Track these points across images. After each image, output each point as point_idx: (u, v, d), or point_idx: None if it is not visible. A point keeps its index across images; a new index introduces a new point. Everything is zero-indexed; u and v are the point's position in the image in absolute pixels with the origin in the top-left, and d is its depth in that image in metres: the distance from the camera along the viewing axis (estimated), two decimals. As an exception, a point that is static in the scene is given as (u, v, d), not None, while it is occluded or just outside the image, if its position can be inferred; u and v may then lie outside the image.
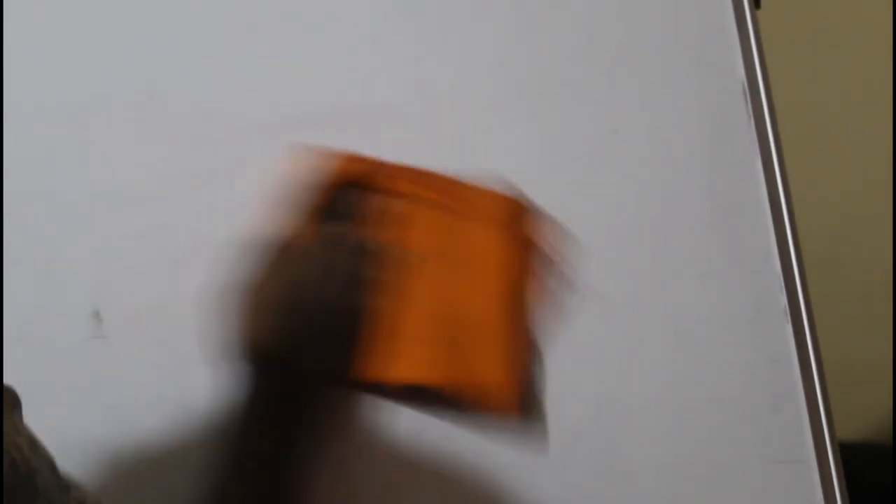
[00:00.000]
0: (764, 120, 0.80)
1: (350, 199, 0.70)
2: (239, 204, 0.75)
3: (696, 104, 0.80)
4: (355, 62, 0.78)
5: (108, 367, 0.71)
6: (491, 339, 0.67)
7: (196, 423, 0.64)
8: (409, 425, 0.72)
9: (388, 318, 0.65)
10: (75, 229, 0.75)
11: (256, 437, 0.61)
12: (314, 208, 0.69)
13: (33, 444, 0.48)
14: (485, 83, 0.80)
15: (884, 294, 1.52)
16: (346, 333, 0.64)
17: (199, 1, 0.81)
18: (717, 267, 0.77)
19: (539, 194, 0.78)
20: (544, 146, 0.79)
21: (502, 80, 0.79)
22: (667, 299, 0.76)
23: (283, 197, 0.68)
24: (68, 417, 0.68)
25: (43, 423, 0.50)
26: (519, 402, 0.66)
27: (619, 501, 0.72)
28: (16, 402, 0.50)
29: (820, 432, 0.74)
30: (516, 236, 0.71)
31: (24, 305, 0.71)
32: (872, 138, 1.53)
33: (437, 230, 0.70)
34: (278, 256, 0.65)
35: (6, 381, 0.51)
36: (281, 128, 0.74)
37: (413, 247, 0.69)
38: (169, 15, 0.81)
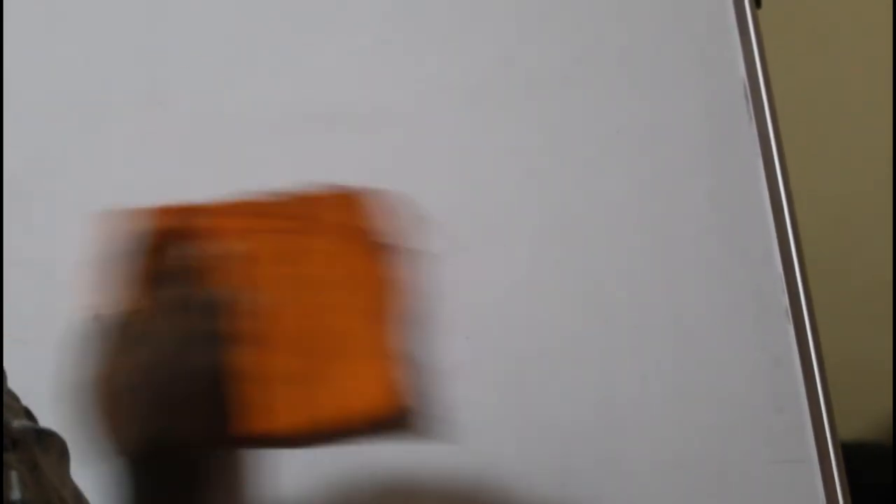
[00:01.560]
0: (765, 120, 0.80)
1: (178, 255, 0.62)
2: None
3: (698, 104, 0.80)
4: (358, 63, 0.78)
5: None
6: (362, 354, 0.63)
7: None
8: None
9: (255, 367, 0.60)
10: (77, 230, 0.75)
11: None
12: (143, 275, 0.61)
13: (77, 498, 0.47)
14: (487, 83, 0.80)
15: (884, 294, 1.52)
16: (213, 397, 0.58)
17: (201, 2, 0.81)
18: (719, 267, 0.77)
19: (541, 193, 0.78)
20: (547, 145, 0.79)
21: (505, 81, 0.79)
22: (668, 300, 0.76)
23: (105, 270, 0.61)
24: (70, 418, 0.68)
25: (45, 425, 0.50)
26: (402, 411, 0.62)
27: (620, 501, 0.72)
28: (64, 452, 0.48)
29: (822, 432, 0.74)
30: (363, 234, 0.66)
31: (25, 307, 0.71)
32: (873, 138, 1.53)
33: (281, 257, 0.65)
34: (120, 338, 0.58)
35: (12, 385, 0.51)
36: (284, 129, 0.74)
37: (262, 282, 0.63)
38: (172, 16, 0.80)
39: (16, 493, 0.42)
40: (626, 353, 0.75)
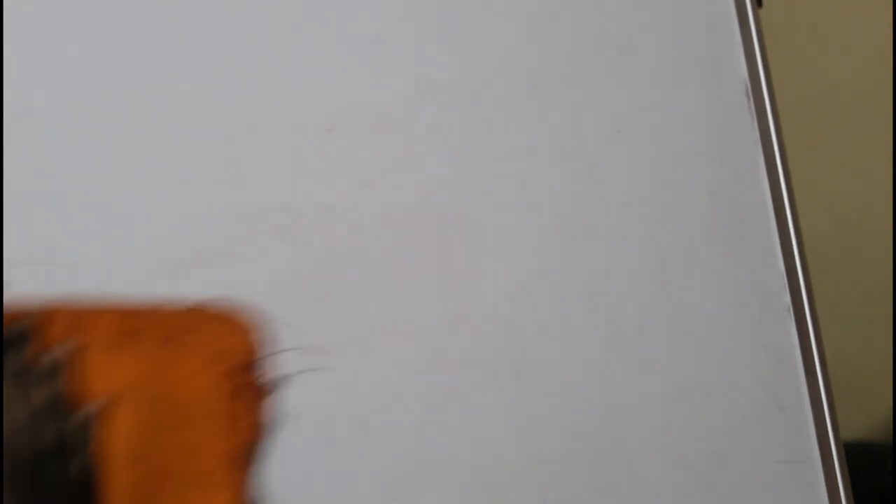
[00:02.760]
0: (767, 119, 0.80)
1: (40, 353, 0.60)
2: (241, 205, 0.75)
3: (699, 103, 0.80)
4: (357, 62, 0.78)
5: (109, 369, 0.71)
6: (200, 482, 0.59)
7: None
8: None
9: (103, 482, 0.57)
10: (78, 231, 0.75)
11: None
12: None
13: None
14: (487, 83, 0.79)
15: (886, 294, 1.52)
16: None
17: (202, 3, 0.81)
18: (720, 266, 0.77)
19: (543, 193, 0.78)
20: (547, 145, 0.79)
21: (505, 80, 0.79)
22: (669, 299, 0.76)
23: None
24: None
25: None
26: None
27: (622, 501, 0.72)
28: None
29: (824, 432, 0.74)
30: (216, 352, 0.62)
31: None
32: (875, 137, 1.53)
33: (121, 368, 0.61)
34: None
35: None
36: (283, 129, 0.74)
37: (96, 394, 0.59)
38: (170, 16, 0.80)
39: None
40: (627, 353, 0.74)
